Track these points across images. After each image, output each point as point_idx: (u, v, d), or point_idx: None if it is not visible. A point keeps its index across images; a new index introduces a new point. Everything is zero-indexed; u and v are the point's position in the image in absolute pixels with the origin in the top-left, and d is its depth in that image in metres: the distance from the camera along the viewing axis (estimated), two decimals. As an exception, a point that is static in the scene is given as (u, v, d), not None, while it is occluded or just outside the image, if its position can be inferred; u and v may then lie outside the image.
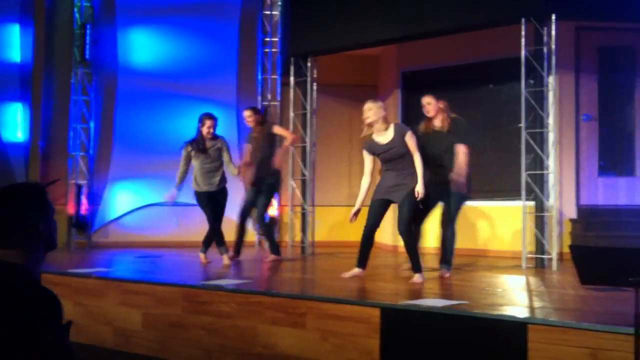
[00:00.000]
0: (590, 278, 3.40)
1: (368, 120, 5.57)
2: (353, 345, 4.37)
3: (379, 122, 5.56)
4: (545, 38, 6.81)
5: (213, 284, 5.37)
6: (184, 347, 5.20)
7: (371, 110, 5.55)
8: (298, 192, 8.68)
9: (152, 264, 7.17)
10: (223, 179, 6.97)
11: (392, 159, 5.54)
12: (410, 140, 5.49)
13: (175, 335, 5.27)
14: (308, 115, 8.63)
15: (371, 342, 4.28)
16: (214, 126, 6.95)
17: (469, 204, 8.41)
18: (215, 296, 5.14)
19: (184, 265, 7.24)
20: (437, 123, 5.99)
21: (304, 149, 8.56)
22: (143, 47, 9.77)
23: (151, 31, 9.79)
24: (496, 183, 8.25)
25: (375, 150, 5.60)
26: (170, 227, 9.01)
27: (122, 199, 9.45)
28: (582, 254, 3.34)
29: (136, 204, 9.39)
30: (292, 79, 8.81)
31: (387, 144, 5.52)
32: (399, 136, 5.50)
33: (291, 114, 8.83)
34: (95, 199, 9.45)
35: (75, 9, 9.63)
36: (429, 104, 5.97)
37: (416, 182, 5.44)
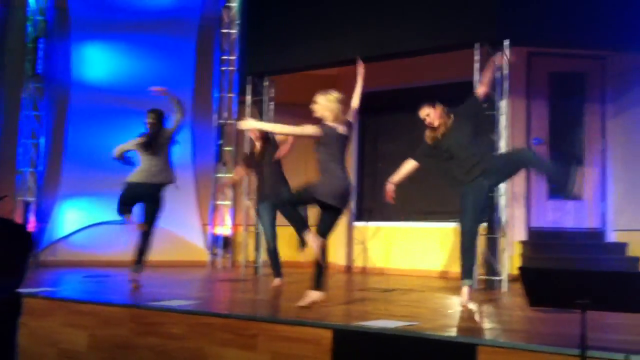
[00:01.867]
0: (539, 300, 3.42)
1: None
2: (303, 368, 4.31)
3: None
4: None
5: (162, 304, 5.25)
6: (130, 369, 5.06)
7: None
8: (252, 212, 8.60)
9: (100, 284, 7.00)
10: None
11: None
12: None
13: (121, 357, 5.13)
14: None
15: (322, 364, 4.23)
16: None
17: (421, 224, 8.51)
18: (164, 317, 5.02)
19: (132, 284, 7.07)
20: (441, 128, 5.53)
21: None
22: (97, 62, 9.64)
23: (106, 47, 9.68)
24: (448, 204, 8.32)
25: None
26: (120, 246, 8.80)
27: (72, 217, 9.24)
28: (531, 276, 3.36)
29: (86, 222, 9.18)
30: (248, 97, 8.78)
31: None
32: None
33: (247, 133, 8.77)
34: (43, 216, 9.23)
35: (29, 23, 9.46)
36: (428, 115, 5.53)
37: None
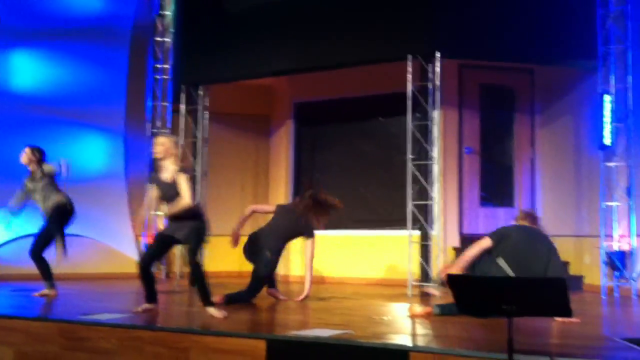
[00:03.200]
0: (467, 307, 3.48)
1: (156, 156, 5.42)
2: (237, 379, 4.26)
3: (167, 159, 5.39)
4: (430, 75, 7.08)
5: (91, 318, 5.11)
6: (58, 386, 4.90)
7: (162, 146, 5.43)
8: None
9: (28, 298, 6.76)
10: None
11: (167, 199, 5.43)
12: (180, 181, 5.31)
13: (49, 374, 4.96)
14: (199, 144, 8.51)
15: (256, 375, 4.19)
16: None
17: (357, 233, 8.58)
18: (94, 331, 4.88)
19: (61, 298, 6.86)
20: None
21: (194, 178, 8.41)
22: (25, 71, 9.35)
23: (34, 55, 9.39)
24: (385, 213, 8.43)
25: (159, 185, 5.44)
26: (49, 258, 8.56)
27: (-4, 230, 8.88)
28: (458, 283, 3.42)
29: (10, 235, 8.85)
30: (182, 106, 8.68)
31: (167, 182, 5.37)
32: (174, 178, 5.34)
33: (181, 142, 8.66)
34: (-34, 230, 8.84)
35: (-48, 30, 9.10)
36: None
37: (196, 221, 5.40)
